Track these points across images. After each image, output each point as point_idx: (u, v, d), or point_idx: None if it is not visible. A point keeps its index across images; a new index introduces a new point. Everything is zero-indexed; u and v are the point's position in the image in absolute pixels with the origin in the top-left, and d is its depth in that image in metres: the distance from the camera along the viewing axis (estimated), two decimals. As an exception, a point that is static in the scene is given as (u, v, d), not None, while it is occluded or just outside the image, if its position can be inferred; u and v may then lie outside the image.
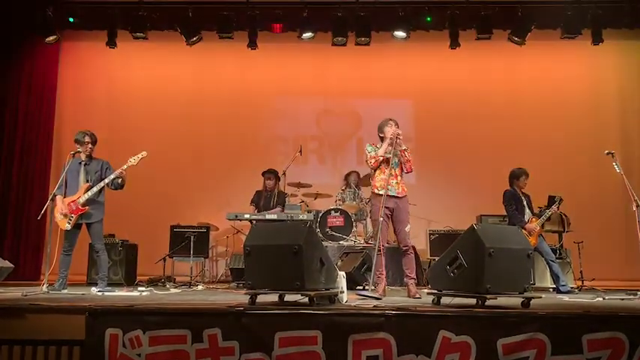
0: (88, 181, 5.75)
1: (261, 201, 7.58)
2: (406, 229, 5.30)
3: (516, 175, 6.73)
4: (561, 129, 9.31)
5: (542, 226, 6.59)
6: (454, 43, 8.44)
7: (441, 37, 8.60)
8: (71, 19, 8.45)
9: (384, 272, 5.41)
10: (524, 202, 6.68)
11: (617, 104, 9.52)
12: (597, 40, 8.33)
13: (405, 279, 5.39)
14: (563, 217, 7.38)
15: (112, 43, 8.52)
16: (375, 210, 5.38)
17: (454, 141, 9.23)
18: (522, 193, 6.73)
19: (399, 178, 5.37)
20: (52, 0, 8.38)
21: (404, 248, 5.31)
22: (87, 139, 5.80)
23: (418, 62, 9.51)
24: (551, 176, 8.36)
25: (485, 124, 9.29)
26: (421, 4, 8.48)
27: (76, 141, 5.81)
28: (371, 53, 8.92)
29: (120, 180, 5.74)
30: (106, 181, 5.71)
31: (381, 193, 5.25)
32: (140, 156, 5.83)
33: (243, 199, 7.81)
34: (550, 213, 6.61)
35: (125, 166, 5.74)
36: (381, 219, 5.08)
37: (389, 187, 5.24)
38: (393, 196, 5.28)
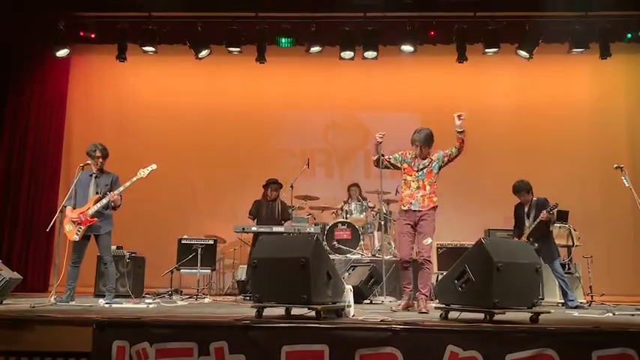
0: (97, 194, 5.78)
1: (263, 211, 7.53)
2: (424, 241, 5.22)
3: (515, 190, 6.74)
4: (569, 143, 9.26)
5: (528, 237, 6.52)
6: (461, 57, 8.45)
7: (448, 50, 8.61)
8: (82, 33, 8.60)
9: (410, 286, 5.39)
10: (525, 213, 6.67)
11: (625, 118, 9.48)
12: (605, 54, 8.32)
13: (417, 293, 5.36)
14: (572, 231, 7.32)
15: (122, 56, 8.62)
16: (397, 226, 5.46)
17: (462, 154, 9.18)
18: (533, 201, 6.67)
19: (427, 189, 5.32)
20: (63, 14, 8.50)
21: (420, 260, 5.26)
22: (98, 152, 5.84)
23: (426, 76, 9.53)
24: (560, 191, 8.28)
25: (493, 138, 9.26)
26: (428, 19, 8.52)
27: (88, 154, 5.86)
28: (378, 67, 8.94)
29: (112, 204, 5.75)
30: (115, 193, 5.73)
31: (404, 208, 5.34)
32: (150, 168, 5.89)
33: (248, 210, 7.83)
34: (536, 222, 6.51)
35: (134, 178, 5.79)
36: (403, 235, 5.30)
37: (412, 201, 5.29)
38: (416, 211, 5.29)
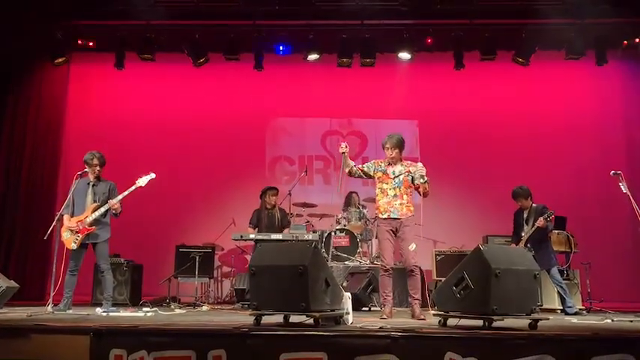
0: (95, 202, 5.78)
1: (264, 220, 7.48)
2: (410, 247, 5.19)
3: (513, 196, 6.72)
4: (567, 149, 9.28)
5: (526, 244, 6.49)
6: (458, 64, 8.50)
7: (445, 58, 8.66)
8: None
9: (391, 294, 5.38)
10: (523, 220, 6.65)
11: (622, 124, 9.50)
12: (601, 60, 8.37)
13: (409, 299, 5.36)
14: (570, 237, 7.32)
15: (119, 64, 8.64)
16: (379, 233, 5.45)
17: (460, 161, 9.22)
18: (532, 207, 6.67)
19: (404, 198, 5.29)
20: (61, 23, 8.52)
21: (409, 268, 5.24)
22: (95, 161, 5.84)
23: (423, 83, 9.54)
24: (558, 197, 8.31)
25: (491, 145, 9.29)
26: (425, 26, 8.57)
27: (85, 162, 5.85)
28: (376, 74, 8.98)
29: (113, 211, 5.77)
30: (114, 201, 5.72)
31: (383, 217, 5.31)
32: (148, 177, 5.89)
33: (249, 220, 7.82)
34: (533, 229, 6.47)
35: (133, 187, 5.79)
36: (385, 240, 5.25)
37: (391, 209, 5.27)
38: (396, 218, 5.27)
